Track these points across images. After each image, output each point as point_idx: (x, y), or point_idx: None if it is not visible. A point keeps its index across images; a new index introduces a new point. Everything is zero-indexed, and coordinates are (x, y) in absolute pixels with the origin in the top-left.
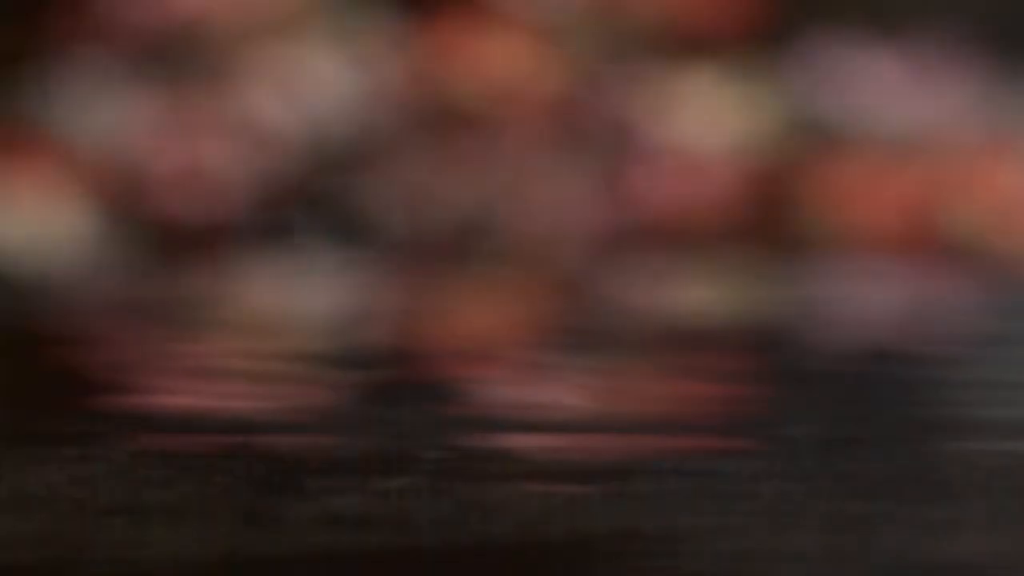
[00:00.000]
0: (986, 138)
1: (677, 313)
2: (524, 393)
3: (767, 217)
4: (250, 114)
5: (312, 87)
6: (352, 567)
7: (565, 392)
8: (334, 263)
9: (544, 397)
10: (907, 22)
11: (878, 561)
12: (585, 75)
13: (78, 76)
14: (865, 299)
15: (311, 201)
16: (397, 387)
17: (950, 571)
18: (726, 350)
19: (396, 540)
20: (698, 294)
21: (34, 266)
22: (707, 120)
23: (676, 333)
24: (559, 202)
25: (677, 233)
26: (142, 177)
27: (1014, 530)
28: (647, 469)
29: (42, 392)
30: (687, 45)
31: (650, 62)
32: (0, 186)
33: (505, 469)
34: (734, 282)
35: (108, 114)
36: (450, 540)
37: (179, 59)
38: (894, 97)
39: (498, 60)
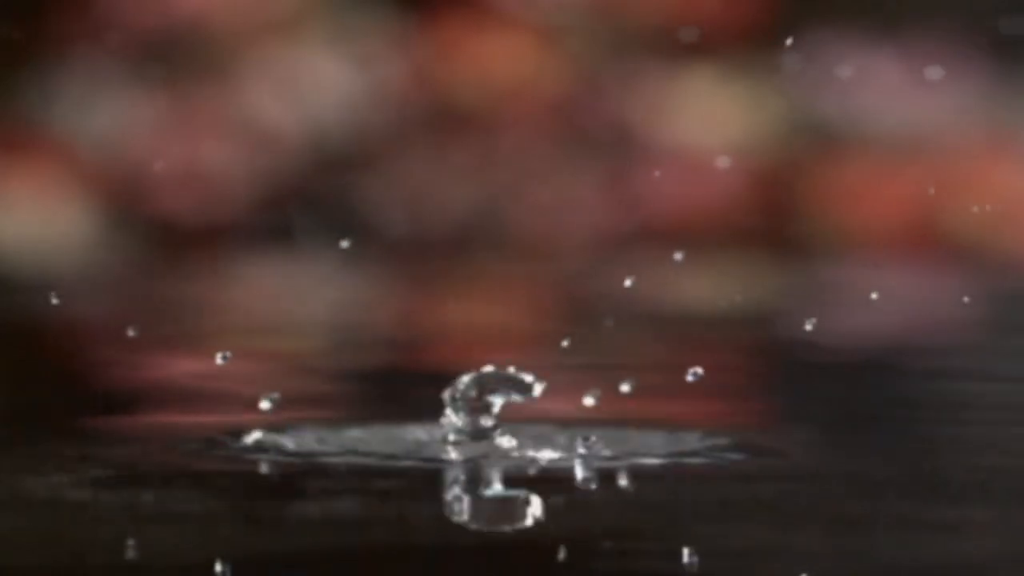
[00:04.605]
0: (986, 138)
1: (678, 312)
2: (525, 393)
3: (768, 216)
4: (250, 114)
5: (312, 87)
6: (352, 567)
7: (565, 392)
8: (334, 263)
9: (545, 398)
10: (907, 22)
11: (879, 561)
12: (585, 75)
13: (78, 76)
14: (866, 298)
15: (311, 201)
16: (396, 388)
17: (950, 571)
18: (727, 349)
19: (396, 540)
20: (699, 292)
21: (34, 266)
22: (708, 120)
23: (677, 332)
24: (560, 201)
25: (678, 232)
26: (142, 177)
27: (1015, 530)
28: (647, 469)
29: (42, 392)
30: (687, 45)
31: (650, 62)
32: (0, 186)
33: (505, 470)
34: (735, 280)
35: (108, 114)
36: (450, 540)
37: (179, 59)
38: (894, 97)
39: (499, 60)
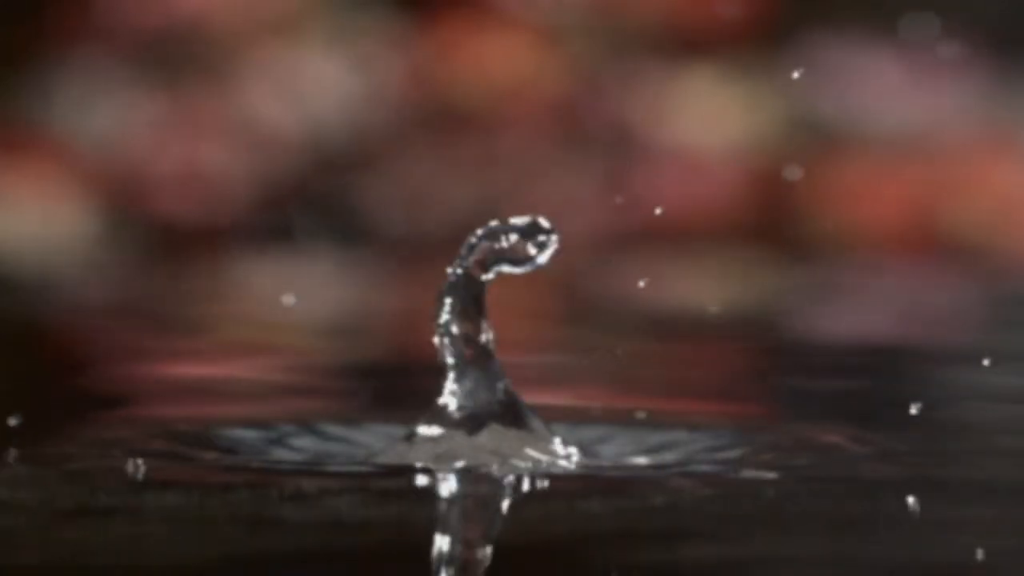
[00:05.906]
0: (986, 138)
1: (678, 311)
2: (524, 393)
3: (767, 216)
4: (250, 114)
5: (312, 87)
6: (352, 567)
7: (565, 392)
8: (334, 263)
9: (544, 397)
10: (907, 22)
11: (878, 561)
12: (585, 75)
13: (78, 76)
14: (865, 297)
15: (311, 201)
16: (396, 387)
17: (950, 571)
18: (726, 348)
19: (396, 540)
20: (699, 292)
21: (34, 266)
22: (707, 120)
23: (677, 332)
24: (560, 201)
25: (678, 232)
26: (142, 177)
27: (1015, 530)
28: (648, 470)
29: (41, 392)
30: (687, 45)
31: (650, 62)
32: (0, 186)
33: (505, 471)
34: (734, 280)
35: (108, 114)
36: (449, 540)
37: (179, 59)
38: (894, 97)
39: (498, 60)
